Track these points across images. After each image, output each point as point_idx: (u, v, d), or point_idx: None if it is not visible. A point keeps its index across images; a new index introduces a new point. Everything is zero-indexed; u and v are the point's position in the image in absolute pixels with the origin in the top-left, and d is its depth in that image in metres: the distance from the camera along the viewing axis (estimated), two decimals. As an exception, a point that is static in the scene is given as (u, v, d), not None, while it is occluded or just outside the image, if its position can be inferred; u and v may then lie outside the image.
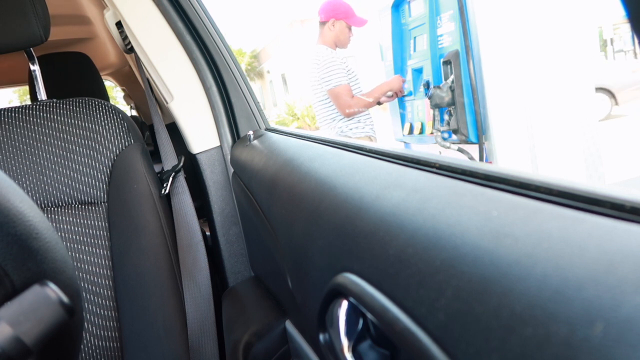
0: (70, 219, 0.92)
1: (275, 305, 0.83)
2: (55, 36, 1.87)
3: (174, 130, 1.13)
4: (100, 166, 0.95)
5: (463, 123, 2.31)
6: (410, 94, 2.78)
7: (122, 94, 2.98)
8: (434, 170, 0.42)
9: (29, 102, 1.15)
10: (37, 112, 0.98)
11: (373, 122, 2.59)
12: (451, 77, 2.25)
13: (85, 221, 0.92)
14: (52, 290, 0.35)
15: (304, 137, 0.80)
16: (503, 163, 2.34)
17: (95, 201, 0.94)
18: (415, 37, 2.72)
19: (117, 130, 0.97)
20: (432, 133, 2.51)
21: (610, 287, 0.21)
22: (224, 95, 1.09)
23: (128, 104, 2.90)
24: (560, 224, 0.27)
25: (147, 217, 0.92)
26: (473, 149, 2.35)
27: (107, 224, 0.92)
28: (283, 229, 0.65)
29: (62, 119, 0.97)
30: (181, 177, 1.07)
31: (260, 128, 1.09)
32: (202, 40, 1.06)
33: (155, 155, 1.12)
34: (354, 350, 0.40)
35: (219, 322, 0.97)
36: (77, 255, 0.90)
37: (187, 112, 1.09)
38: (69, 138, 0.96)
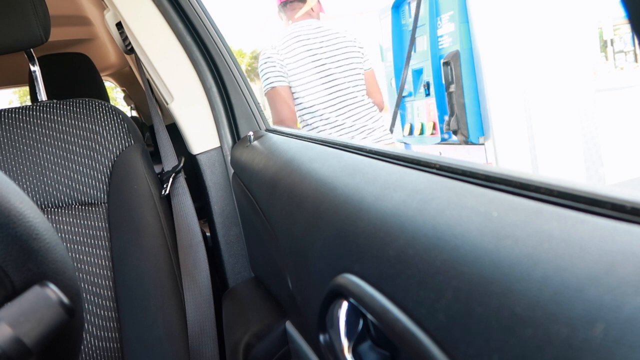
0: (71, 219, 0.92)
1: (276, 306, 0.83)
2: (56, 37, 1.87)
3: (174, 131, 1.13)
4: (101, 167, 0.95)
5: (463, 124, 2.31)
6: (410, 94, 2.78)
7: (122, 94, 2.98)
8: (435, 171, 0.42)
9: (29, 103, 1.15)
10: (37, 113, 0.98)
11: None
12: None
13: (86, 222, 0.92)
14: (53, 291, 0.35)
15: (304, 137, 0.80)
16: (503, 164, 2.34)
17: (96, 202, 0.94)
18: (415, 38, 2.72)
19: (117, 131, 0.97)
20: (432, 134, 2.51)
21: (611, 288, 0.21)
22: (224, 96, 1.09)
23: (128, 104, 2.90)
24: (560, 224, 0.27)
25: (147, 217, 0.92)
26: (473, 150, 2.35)
27: (107, 224, 0.92)
28: (283, 230, 0.65)
29: (62, 119, 0.97)
30: (181, 178, 1.07)
31: (260, 129, 1.09)
32: (202, 41, 1.06)
33: (155, 156, 1.12)
34: (354, 351, 0.40)
35: (219, 323, 0.97)
36: (77, 255, 0.90)
37: (187, 113, 1.09)
38: (69, 139, 0.96)
